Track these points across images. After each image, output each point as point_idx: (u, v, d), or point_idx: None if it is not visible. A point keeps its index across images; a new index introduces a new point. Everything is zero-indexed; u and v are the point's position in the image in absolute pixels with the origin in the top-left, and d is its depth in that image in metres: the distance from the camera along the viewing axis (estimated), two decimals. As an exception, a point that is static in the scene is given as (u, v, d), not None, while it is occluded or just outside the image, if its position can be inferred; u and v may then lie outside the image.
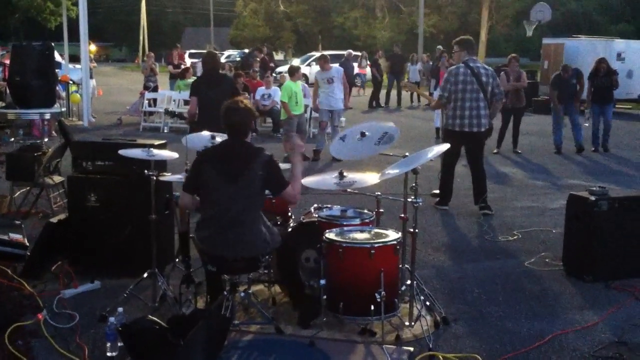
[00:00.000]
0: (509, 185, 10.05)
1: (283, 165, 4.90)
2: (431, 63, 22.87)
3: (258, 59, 19.03)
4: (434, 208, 8.35)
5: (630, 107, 22.04)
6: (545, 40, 24.73)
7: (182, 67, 18.43)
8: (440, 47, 22.57)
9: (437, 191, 8.65)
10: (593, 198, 5.76)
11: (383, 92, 23.29)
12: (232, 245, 4.39)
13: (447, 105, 8.07)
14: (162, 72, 19.52)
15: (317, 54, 32.37)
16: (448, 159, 8.19)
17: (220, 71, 9.19)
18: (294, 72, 11.99)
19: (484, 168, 8.39)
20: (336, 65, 13.25)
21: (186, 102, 16.61)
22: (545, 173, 11.09)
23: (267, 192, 4.59)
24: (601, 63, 13.41)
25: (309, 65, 33.92)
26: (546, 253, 6.60)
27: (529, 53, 49.66)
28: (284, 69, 23.89)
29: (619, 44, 23.14)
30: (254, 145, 4.58)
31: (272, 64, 19.89)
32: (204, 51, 12.60)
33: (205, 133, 5.62)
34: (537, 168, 11.56)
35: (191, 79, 16.77)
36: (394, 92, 23.57)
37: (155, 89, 17.86)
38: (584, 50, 21.76)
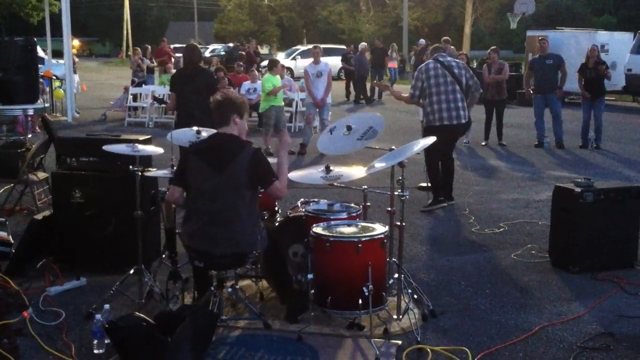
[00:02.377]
0: (495, 178, 10.08)
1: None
2: (413, 57, 22.79)
3: (243, 53, 19.04)
4: (424, 204, 8.20)
5: (614, 98, 22.17)
6: (529, 33, 24.81)
7: (173, 60, 18.56)
8: (422, 40, 22.53)
9: (424, 184, 8.65)
10: (578, 190, 5.79)
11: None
12: (218, 240, 4.37)
13: (425, 102, 7.97)
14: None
15: (302, 48, 32.40)
16: (434, 157, 8.05)
17: (202, 65, 9.02)
18: (272, 66, 12.17)
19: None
20: (326, 60, 13.23)
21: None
22: (531, 165, 11.13)
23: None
24: (593, 52, 12.86)
25: (294, 59, 33.85)
26: (532, 245, 6.63)
27: (513, 45, 49.84)
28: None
29: (603, 35, 23.25)
30: (241, 139, 4.55)
31: (258, 59, 19.84)
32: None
33: (191, 129, 5.58)
34: (522, 160, 11.60)
35: (172, 73, 16.77)
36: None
37: (139, 85, 17.79)
38: (568, 43, 21.84)
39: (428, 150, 7.57)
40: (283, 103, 12.35)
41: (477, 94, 8.27)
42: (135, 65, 18.78)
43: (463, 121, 7.90)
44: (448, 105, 7.78)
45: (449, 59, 8.02)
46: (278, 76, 12.18)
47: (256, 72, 16.13)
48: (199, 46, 9.71)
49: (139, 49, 20.12)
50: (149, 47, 20.59)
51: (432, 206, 8.05)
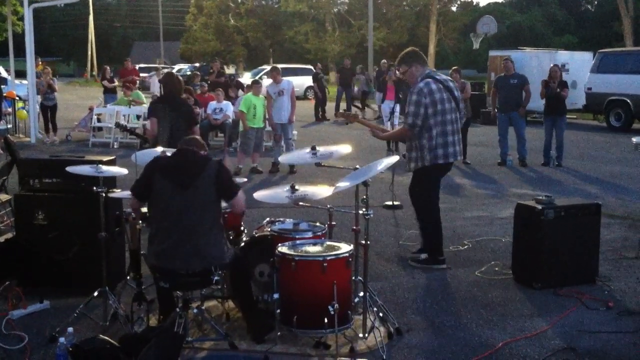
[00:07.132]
0: (459, 196, 10.19)
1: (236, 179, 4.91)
2: (374, 75, 22.95)
3: (211, 71, 19.05)
4: (391, 223, 8.30)
5: (575, 117, 22.60)
6: (492, 53, 25.19)
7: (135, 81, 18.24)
8: (384, 61, 22.71)
9: (390, 202, 8.70)
10: (540, 207, 5.88)
11: (331, 105, 23.32)
12: (187, 257, 4.38)
13: (420, 134, 6.24)
14: (96, 86, 19.26)
15: (268, 67, 32.50)
16: (434, 202, 6.60)
17: (183, 96, 8.78)
18: (253, 85, 12.10)
19: None
20: (287, 78, 13.24)
21: (137, 117, 16.47)
22: (494, 183, 11.27)
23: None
24: (555, 71, 13.01)
25: (260, 78, 33.90)
26: (496, 262, 6.71)
27: (476, 65, 50.62)
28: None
29: (563, 55, 23.74)
30: (202, 154, 4.63)
31: (223, 78, 19.68)
32: (154, 65, 12.43)
33: (156, 149, 5.57)
34: (485, 178, 11.75)
35: (134, 94, 16.69)
36: (342, 105, 23.64)
37: (54, 107, 16.93)
38: (530, 62, 22.24)
39: (428, 197, 6.51)
40: (263, 125, 12.34)
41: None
42: (46, 86, 16.47)
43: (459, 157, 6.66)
44: (453, 138, 6.31)
45: (443, 76, 6.51)
46: (261, 96, 12.08)
47: (221, 91, 15.99)
48: (165, 66, 9.55)
49: (49, 68, 18.33)
50: (108, 67, 20.03)
51: (426, 264, 6.60)
